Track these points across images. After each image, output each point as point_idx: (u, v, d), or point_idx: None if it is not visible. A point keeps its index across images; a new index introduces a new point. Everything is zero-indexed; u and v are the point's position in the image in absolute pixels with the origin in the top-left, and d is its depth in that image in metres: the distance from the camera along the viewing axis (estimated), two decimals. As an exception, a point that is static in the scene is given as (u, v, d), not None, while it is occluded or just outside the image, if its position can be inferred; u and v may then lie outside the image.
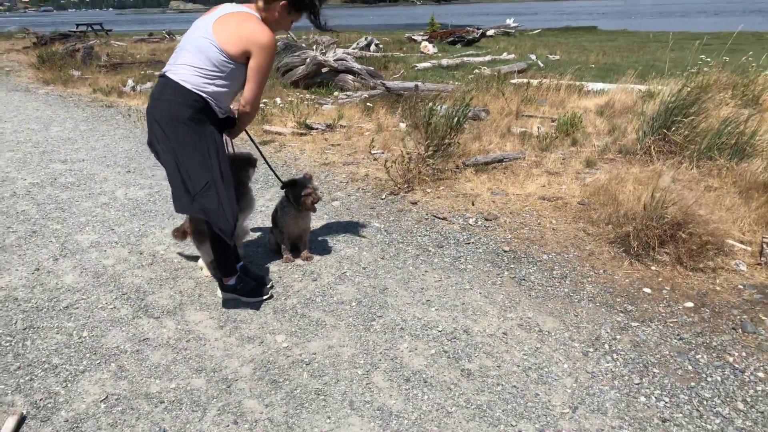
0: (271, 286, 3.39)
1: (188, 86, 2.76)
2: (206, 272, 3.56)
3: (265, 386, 2.55)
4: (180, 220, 4.39)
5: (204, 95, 2.78)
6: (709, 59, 8.20)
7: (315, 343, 2.87)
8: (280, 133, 7.14)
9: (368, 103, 8.49)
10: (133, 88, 10.81)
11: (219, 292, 3.27)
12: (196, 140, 2.80)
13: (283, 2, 2.85)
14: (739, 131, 5.05)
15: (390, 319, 3.07)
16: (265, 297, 3.27)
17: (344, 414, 2.38)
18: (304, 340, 2.89)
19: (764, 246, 3.52)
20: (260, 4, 2.87)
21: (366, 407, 2.42)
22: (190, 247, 3.94)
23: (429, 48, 17.99)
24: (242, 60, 2.79)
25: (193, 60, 2.78)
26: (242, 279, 3.23)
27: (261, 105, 8.17)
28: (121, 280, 3.53)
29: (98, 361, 2.73)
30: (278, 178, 3.73)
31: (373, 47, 18.12)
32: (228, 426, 2.31)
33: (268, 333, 2.95)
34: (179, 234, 3.60)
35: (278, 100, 9.14)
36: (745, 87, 7.54)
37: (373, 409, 2.41)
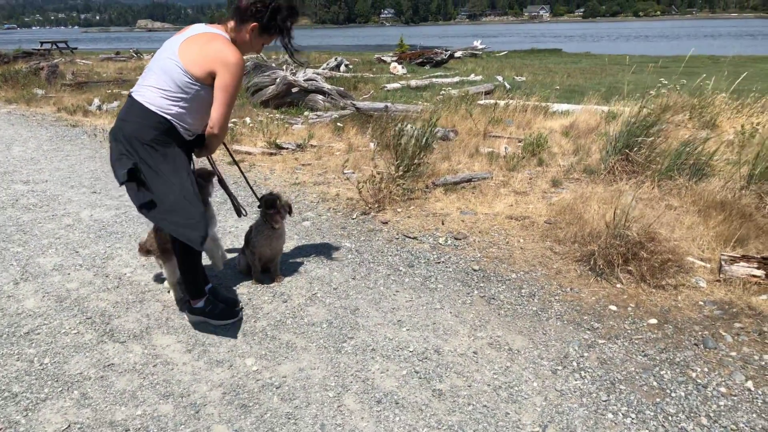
0: (241, 308, 3.35)
1: (152, 108, 2.75)
2: (173, 294, 3.50)
3: (235, 411, 2.51)
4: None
5: (168, 117, 2.76)
6: (666, 82, 8.50)
7: (285, 366, 2.84)
8: (249, 153, 7.11)
9: (338, 123, 8.53)
10: (99, 108, 10.65)
11: (187, 315, 3.22)
12: (159, 162, 2.78)
13: (253, 24, 2.86)
14: (697, 152, 5.24)
15: (361, 340, 3.06)
16: (234, 320, 3.22)
17: (315, 438, 2.36)
18: (275, 363, 2.87)
19: (722, 263, 3.64)
20: (231, 24, 2.88)
21: (337, 430, 2.40)
22: (157, 268, 3.88)
23: (398, 69, 18.23)
24: (208, 81, 2.76)
25: (158, 81, 2.77)
26: (211, 301, 3.19)
27: (230, 125, 8.14)
28: (86, 303, 3.45)
29: (60, 389, 2.65)
30: (256, 197, 3.69)
31: (343, 68, 18.27)
32: (196, 453, 2.27)
33: (237, 356, 2.91)
34: (143, 251, 3.54)
35: (248, 119, 9.12)
36: (702, 109, 7.84)
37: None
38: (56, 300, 3.49)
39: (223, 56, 2.72)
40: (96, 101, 10.97)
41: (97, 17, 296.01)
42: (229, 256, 4.16)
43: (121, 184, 2.75)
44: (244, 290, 3.62)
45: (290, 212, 3.64)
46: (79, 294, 3.57)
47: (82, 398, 2.58)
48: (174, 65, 2.73)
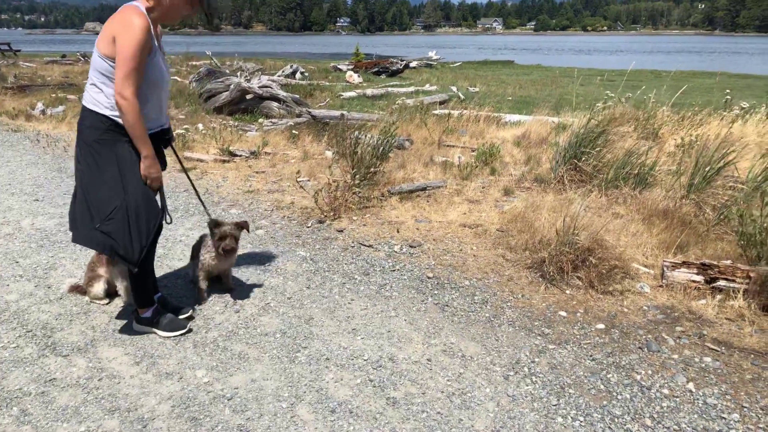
0: (191, 317, 3.28)
1: (90, 107, 2.74)
2: (124, 298, 3.39)
3: (185, 424, 2.45)
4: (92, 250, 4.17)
5: (107, 113, 2.71)
6: (612, 94, 8.82)
7: (237, 377, 2.79)
8: (201, 160, 6.98)
9: (294, 131, 8.48)
10: (43, 112, 10.25)
11: (134, 325, 3.13)
12: (105, 163, 2.74)
13: None
14: (640, 162, 5.45)
15: (315, 350, 3.04)
16: (183, 331, 3.14)
17: (268, 450, 2.32)
18: (226, 374, 2.81)
19: (664, 269, 3.79)
20: None
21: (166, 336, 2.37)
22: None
23: (354, 78, 18.28)
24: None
25: (91, 78, 2.77)
26: (159, 311, 3.10)
27: (182, 131, 7.97)
28: (26, 316, 3.30)
29: (-3, 406, 2.52)
30: (206, 212, 3.58)
31: (298, 75, 18.19)
32: (143, 469, 2.19)
33: (187, 368, 2.84)
34: (74, 289, 3.53)
35: (200, 126, 8.95)
36: (646, 121, 8.16)
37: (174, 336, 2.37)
38: (-6, 313, 3.32)
39: (121, 20, 2.62)
40: (40, 105, 10.56)
41: (42, 19, 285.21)
42: (180, 264, 4.06)
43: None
44: (191, 301, 3.54)
45: (248, 230, 3.49)
46: (19, 306, 3.41)
47: (21, 415, 2.47)
48: (95, 54, 2.72)
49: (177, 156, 3.40)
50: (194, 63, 21.25)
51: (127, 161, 2.77)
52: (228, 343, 3.08)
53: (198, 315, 3.35)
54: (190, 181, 3.64)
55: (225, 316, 3.37)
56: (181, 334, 3.11)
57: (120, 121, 2.70)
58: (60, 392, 2.63)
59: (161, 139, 3.02)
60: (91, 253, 3.87)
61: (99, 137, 2.72)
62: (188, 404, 2.58)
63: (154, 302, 3.12)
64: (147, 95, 2.76)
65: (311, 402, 2.62)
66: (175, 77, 15.85)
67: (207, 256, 3.44)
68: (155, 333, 3.08)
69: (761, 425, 2.54)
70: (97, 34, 2.77)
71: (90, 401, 2.58)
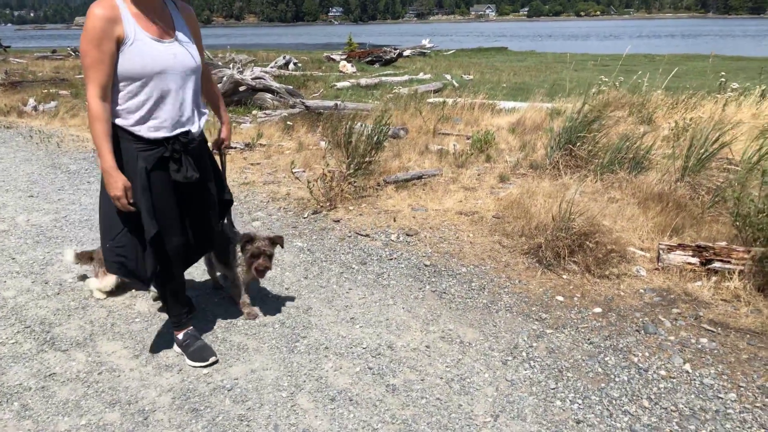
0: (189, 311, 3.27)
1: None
2: (98, 295, 3.44)
3: (185, 415, 2.46)
4: (88, 245, 4.17)
5: (113, 121, 2.44)
6: (607, 79, 8.81)
7: (237, 367, 2.80)
8: (196, 154, 6.94)
9: (288, 122, 8.45)
10: (35, 108, 10.18)
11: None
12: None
13: None
14: (636, 146, 5.45)
15: (314, 339, 3.05)
16: (209, 362, 2.81)
17: (269, 439, 2.33)
18: (226, 365, 2.82)
19: (660, 252, 3.81)
20: None
21: (291, 430, 2.38)
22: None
23: (347, 67, 18.19)
24: None
25: None
26: (191, 336, 2.89)
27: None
28: (24, 312, 3.30)
29: (-2, 402, 2.53)
30: (232, 227, 3.28)
31: (291, 66, 18.10)
32: (145, 461, 2.21)
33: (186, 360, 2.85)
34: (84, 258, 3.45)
35: (194, 119, 8.89)
36: (641, 105, 8.16)
37: (299, 431, 2.37)
38: (-9, 309, 3.32)
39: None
40: (31, 101, 10.48)
41: (32, 14, 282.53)
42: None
43: None
44: (192, 293, 3.53)
45: (281, 245, 3.21)
46: (17, 302, 3.41)
47: (22, 410, 2.47)
48: None
49: (220, 165, 3.03)
50: (186, 56, 21.03)
51: (139, 177, 2.47)
52: (227, 335, 3.09)
53: (197, 307, 3.35)
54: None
55: (223, 308, 3.38)
56: (208, 365, 2.80)
57: (125, 125, 2.43)
58: (60, 386, 2.64)
59: (186, 146, 2.56)
60: (88, 249, 3.87)
61: (115, 146, 2.43)
62: (188, 395, 2.59)
63: (186, 324, 2.92)
64: (132, 92, 2.40)
65: (311, 391, 2.63)
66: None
67: (239, 269, 3.20)
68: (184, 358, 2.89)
69: (758, 404, 2.56)
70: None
71: (90, 395, 2.58)
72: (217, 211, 2.95)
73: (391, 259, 4.07)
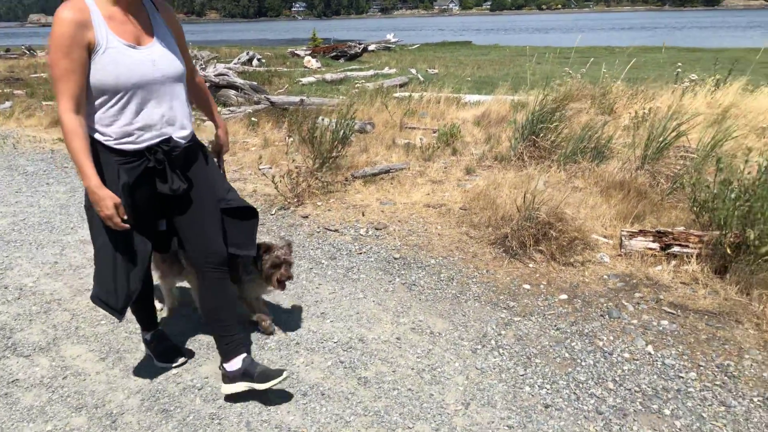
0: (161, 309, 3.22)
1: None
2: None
3: (155, 417, 2.43)
4: (49, 248, 4.07)
5: (90, 134, 2.21)
6: (570, 71, 8.96)
7: (207, 366, 2.78)
8: (160, 152, 6.81)
9: (253, 118, 8.36)
10: (-12, 108, 9.82)
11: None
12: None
13: None
14: (597, 136, 5.57)
15: (284, 335, 3.04)
16: (177, 363, 2.78)
17: (241, 436, 2.32)
18: (195, 364, 2.79)
19: (622, 239, 3.91)
20: None
21: (263, 426, 2.37)
22: (64, 277, 3.67)
23: (312, 63, 18.07)
24: None
25: None
26: (158, 337, 2.81)
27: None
28: (-17, 319, 3.20)
29: (-42, 411, 2.45)
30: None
31: (255, 62, 17.88)
32: (115, 464, 2.17)
33: (155, 361, 2.80)
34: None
35: (156, 117, 8.72)
36: (602, 96, 8.33)
37: (271, 427, 2.37)
38: (-52, 317, 3.21)
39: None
40: (-16, 102, 10.12)
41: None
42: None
43: None
44: (160, 293, 3.47)
45: (290, 250, 2.99)
46: (-25, 309, 3.31)
47: (-17, 419, 2.40)
48: None
49: (219, 159, 2.90)
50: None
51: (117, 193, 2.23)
52: (195, 334, 3.05)
53: (163, 308, 3.30)
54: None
55: (191, 308, 3.33)
56: (175, 366, 2.77)
57: (102, 140, 2.21)
58: (24, 393, 2.57)
59: (169, 154, 2.32)
60: (48, 252, 3.78)
61: (95, 162, 2.17)
62: (158, 396, 2.55)
63: (154, 325, 2.81)
64: (107, 104, 2.17)
65: (283, 387, 2.62)
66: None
67: (249, 285, 2.96)
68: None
69: (717, 382, 2.66)
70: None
71: (55, 400, 2.53)
72: (219, 220, 2.54)
73: (361, 253, 4.08)
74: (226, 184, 2.64)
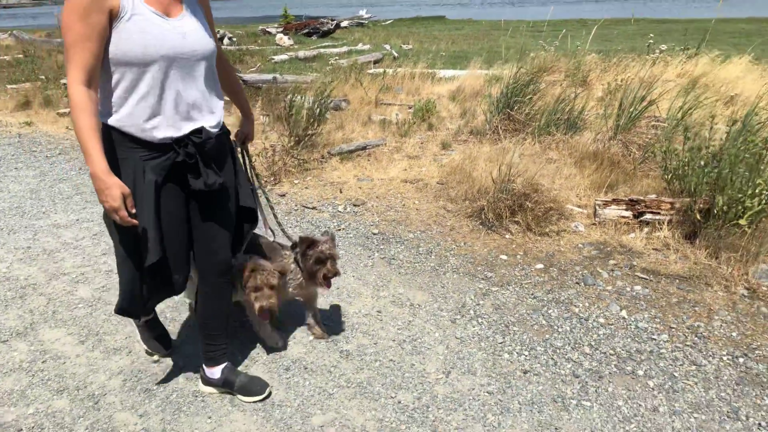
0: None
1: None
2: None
3: (138, 396, 2.43)
4: (21, 233, 4.00)
5: (103, 121, 1.95)
6: (544, 44, 8.98)
7: (189, 346, 2.78)
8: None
9: (225, 98, 8.22)
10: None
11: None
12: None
13: None
14: (570, 108, 5.62)
15: (266, 312, 3.04)
16: (163, 352, 2.69)
17: (225, 412, 2.34)
18: (176, 344, 2.79)
19: (596, 208, 3.98)
20: None
21: (247, 402, 2.39)
22: (38, 262, 3.62)
23: (285, 40, 17.78)
24: None
25: None
26: (150, 325, 2.64)
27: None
28: (-44, 306, 3.15)
29: (-65, 399, 2.42)
30: (284, 233, 2.87)
31: (226, 41, 17.54)
32: (99, 444, 2.18)
33: (136, 342, 2.79)
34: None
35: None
36: (576, 69, 8.38)
37: (255, 402, 2.39)
38: None
39: None
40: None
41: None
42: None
43: None
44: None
45: (335, 243, 2.71)
46: (-53, 297, 3.25)
47: (-38, 406, 2.38)
48: None
49: (246, 163, 2.60)
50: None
51: (132, 190, 1.97)
52: (176, 314, 3.05)
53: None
54: (268, 199, 2.89)
55: (170, 288, 3.32)
56: (162, 355, 2.69)
57: (118, 126, 1.95)
58: (3, 378, 2.55)
59: (202, 146, 2.06)
60: (21, 237, 3.72)
61: (110, 157, 1.91)
62: (140, 377, 2.55)
63: (141, 315, 2.54)
64: (130, 82, 1.91)
65: (265, 362, 2.65)
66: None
67: (290, 285, 2.71)
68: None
69: (688, 343, 2.75)
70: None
71: (36, 384, 2.51)
72: (233, 225, 2.34)
73: (340, 230, 4.09)
74: (247, 187, 2.42)
